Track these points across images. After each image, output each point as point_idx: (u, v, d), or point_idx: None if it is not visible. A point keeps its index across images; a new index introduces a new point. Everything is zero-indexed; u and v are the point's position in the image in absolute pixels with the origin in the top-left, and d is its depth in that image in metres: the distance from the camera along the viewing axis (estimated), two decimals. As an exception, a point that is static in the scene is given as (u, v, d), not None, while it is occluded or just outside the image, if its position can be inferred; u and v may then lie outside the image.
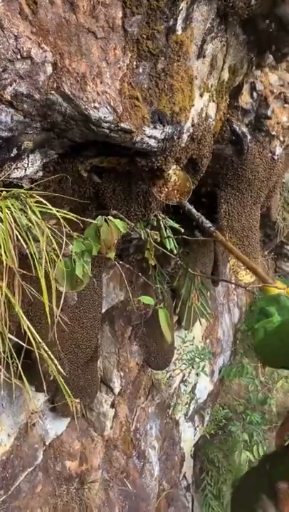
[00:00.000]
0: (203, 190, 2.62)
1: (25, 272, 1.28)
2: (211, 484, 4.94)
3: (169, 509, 4.36)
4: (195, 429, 4.84)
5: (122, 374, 3.32)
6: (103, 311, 2.71)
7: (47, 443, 2.64)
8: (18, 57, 1.09)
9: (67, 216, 1.38)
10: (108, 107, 1.32)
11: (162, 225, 2.30)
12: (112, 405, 3.28)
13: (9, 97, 1.14)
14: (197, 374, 4.38)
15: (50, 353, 1.41)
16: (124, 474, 3.43)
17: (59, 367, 1.45)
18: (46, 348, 1.39)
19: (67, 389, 1.53)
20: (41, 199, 1.29)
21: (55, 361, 1.44)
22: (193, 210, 2.39)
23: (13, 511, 2.38)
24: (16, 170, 1.36)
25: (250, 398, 5.41)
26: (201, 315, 3.57)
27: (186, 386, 4.45)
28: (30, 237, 1.28)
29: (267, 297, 1.94)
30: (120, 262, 1.82)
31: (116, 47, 1.31)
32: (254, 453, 4.57)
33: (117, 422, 3.37)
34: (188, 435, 4.72)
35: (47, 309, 1.34)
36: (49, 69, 1.18)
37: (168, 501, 4.38)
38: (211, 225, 2.42)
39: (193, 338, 4.15)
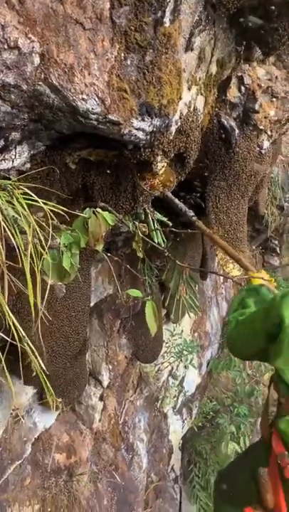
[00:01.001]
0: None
1: (12, 264, 1.27)
2: (198, 476, 5.00)
3: (157, 501, 4.41)
4: (183, 421, 4.88)
5: (110, 367, 3.34)
6: (92, 304, 2.72)
7: (35, 436, 2.64)
8: (5, 47, 1.08)
9: (55, 209, 1.38)
10: (96, 99, 1.31)
11: (150, 218, 2.31)
12: (101, 398, 3.29)
13: (-4, 88, 1.13)
14: (185, 367, 4.42)
15: (34, 348, 1.40)
16: (113, 467, 3.45)
17: (42, 364, 1.43)
18: (30, 343, 1.38)
19: (53, 384, 1.53)
20: (28, 191, 1.28)
21: (39, 358, 1.43)
22: (176, 200, 2.40)
23: (1, 504, 2.38)
24: (3, 161, 1.36)
25: (237, 391, 5.46)
26: (189, 308, 3.59)
27: (174, 379, 4.48)
28: (16, 229, 1.28)
29: (248, 287, 1.95)
30: (109, 255, 1.83)
31: (104, 38, 1.30)
32: (241, 444, 4.63)
33: (106, 414, 3.38)
34: (177, 428, 4.76)
35: (31, 302, 1.33)
36: (36, 60, 1.17)
37: (156, 493, 4.42)
38: (193, 213, 2.43)
39: (182, 331, 4.17)
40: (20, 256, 1.28)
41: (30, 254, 1.26)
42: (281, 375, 1.49)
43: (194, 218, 2.38)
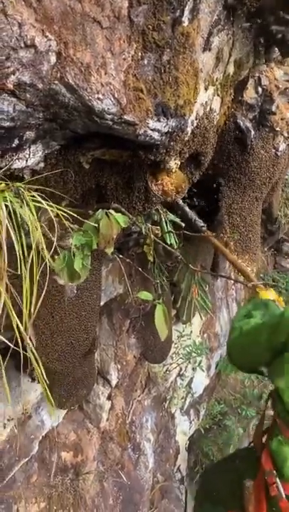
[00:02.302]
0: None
1: (13, 272, 1.24)
2: (204, 477, 4.97)
3: (162, 501, 4.40)
4: (190, 422, 4.86)
5: (119, 367, 3.33)
6: (102, 303, 2.71)
7: (43, 434, 2.64)
8: (22, 45, 1.07)
9: (68, 208, 1.36)
10: (112, 99, 1.30)
11: (163, 220, 2.29)
12: (109, 397, 3.29)
13: (12, 86, 1.12)
14: (194, 368, 4.40)
15: (37, 356, 1.37)
16: (119, 466, 3.45)
17: (43, 372, 1.40)
18: (34, 350, 1.35)
19: (62, 382, 1.51)
20: (37, 196, 1.26)
21: (41, 366, 1.40)
22: (187, 209, 2.38)
23: (7, 501, 2.39)
24: (17, 161, 1.35)
25: (245, 393, 5.43)
26: (201, 309, 3.57)
27: (182, 380, 4.46)
28: (22, 232, 1.25)
29: (256, 301, 1.91)
30: (120, 256, 1.81)
31: (121, 37, 1.28)
32: (248, 447, 4.59)
33: (113, 414, 3.38)
34: (184, 429, 4.75)
35: (25, 306, 1.29)
36: (53, 58, 1.15)
37: (162, 493, 4.41)
38: (203, 224, 2.40)
39: (191, 332, 4.15)
40: (24, 259, 1.25)
41: (33, 258, 1.24)
42: (281, 395, 1.47)
43: (204, 229, 2.35)
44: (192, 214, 2.33)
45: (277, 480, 1.54)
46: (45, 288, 1.34)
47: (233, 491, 1.70)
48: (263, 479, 1.59)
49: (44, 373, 1.33)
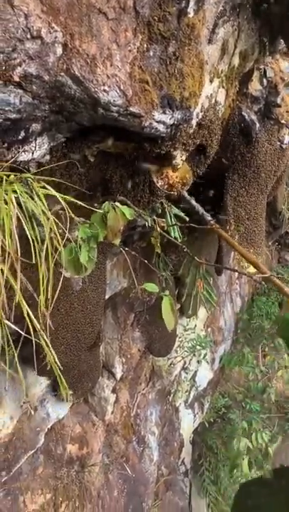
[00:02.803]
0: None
1: (25, 261, 1.26)
2: (209, 470, 5.01)
3: (167, 493, 4.43)
4: (194, 416, 4.89)
5: (123, 360, 3.34)
6: (106, 297, 2.72)
7: (48, 426, 2.66)
8: (28, 36, 1.07)
9: (74, 202, 1.37)
10: (118, 91, 1.29)
11: (168, 213, 2.28)
12: (114, 391, 3.30)
13: (18, 78, 1.12)
14: (198, 362, 4.41)
15: (48, 342, 1.40)
16: (124, 459, 3.47)
17: (55, 356, 1.43)
18: (45, 337, 1.38)
19: (67, 375, 1.53)
20: (48, 186, 1.27)
21: (53, 352, 1.43)
22: (193, 202, 2.36)
23: (14, 492, 2.41)
24: (23, 153, 1.35)
25: (249, 387, 5.44)
26: (206, 302, 3.57)
27: (186, 373, 4.48)
28: (34, 222, 1.27)
29: None
30: (126, 249, 1.81)
31: (127, 29, 1.28)
32: (253, 441, 4.61)
33: (118, 407, 3.39)
34: (188, 422, 4.77)
35: (41, 296, 1.32)
36: (59, 50, 1.15)
37: (166, 486, 4.44)
38: (210, 217, 2.39)
39: (195, 326, 4.16)
40: (35, 250, 1.27)
41: (47, 248, 1.25)
42: None
43: (212, 222, 2.34)
44: (199, 207, 2.32)
45: None
46: (51, 280, 1.35)
47: None
48: None
49: (54, 362, 1.35)
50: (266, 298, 6.00)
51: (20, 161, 1.37)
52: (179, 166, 1.92)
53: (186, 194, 2.16)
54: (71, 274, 1.46)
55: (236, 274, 5.35)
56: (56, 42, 1.14)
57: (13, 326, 1.22)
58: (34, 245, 1.25)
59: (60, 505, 2.74)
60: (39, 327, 1.31)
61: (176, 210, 2.35)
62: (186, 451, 4.88)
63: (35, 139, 1.37)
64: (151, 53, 1.38)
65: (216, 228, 2.21)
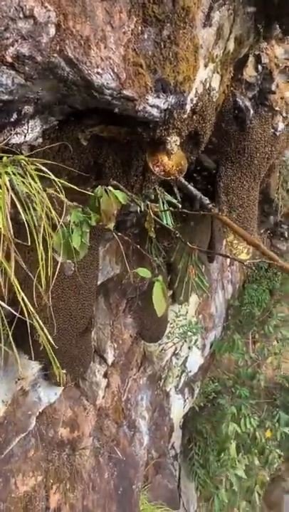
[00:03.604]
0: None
1: (20, 242, 1.26)
2: (198, 454, 5.10)
3: (156, 476, 4.51)
4: (185, 401, 4.95)
5: (115, 345, 3.36)
6: (98, 283, 2.72)
7: (40, 410, 2.68)
8: (21, 15, 1.05)
9: (67, 185, 1.36)
10: (111, 73, 1.28)
11: (160, 199, 2.28)
12: (105, 375, 3.33)
13: (10, 59, 1.10)
14: (189, 348, 4.45)
15: (41, 323, 1.41)
16: (115, 442, 3.52)
17: (49, 337, 1.44)
18: (38, 319, 1.38)
19: (58, 359, 1.55)
20: (42, 167, 1.27)
21: (47, 333, 1.44)
22: (190, 187, 2.36)
23: (5, 474, 2.44)
24: (15, 135, 1.33)
25: (239, 373, 5.52)
26: (198, 288, 3.59)
27: (177, 359, 4.53)
28: (29, 205, 1.27)
29: None
30: (119, 234, 1.82)
31: (121, 10, 1.26)
32: (241, 426, 4.70)
33: (109, 391, 3.43)
34: (178, 407, 4.83)
35: (43, 279, 1.33)
36: (52, 30, 1.13)
37: (156, 469, 4.52)
38: (209, 201, 2.40)
39: (187, 312, 4.19)
40: (31, 232, 1.28)
41: (43, 230, 1.25)
42: None
43: (210, 206, 2.34)
44: (196, 191, 2.32)
45: None
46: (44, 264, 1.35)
47: None
48: None
49: (45, 344, 1.36)
50: (257, 285, 6.05)
51: (13, 144, 1.35)
52: (173, 152, 1.91)
53: (183, 180, 2.16)
54: (63, 259, 1.46)
55: (228, 261, 5.38)
56: (49, 22, 1.12)
57: (7, 307, 1.23)
58: (29, 228, 1.25)
59: (51, 487, 2.78)
60: (33, 309, 1.31)
61: (168, 197, 2.35)
62: (176, 436, 4.96)
63: (28, 122, 1.36)
64: (146, 36, 1.37)
65: (213, 213, 2.22)
